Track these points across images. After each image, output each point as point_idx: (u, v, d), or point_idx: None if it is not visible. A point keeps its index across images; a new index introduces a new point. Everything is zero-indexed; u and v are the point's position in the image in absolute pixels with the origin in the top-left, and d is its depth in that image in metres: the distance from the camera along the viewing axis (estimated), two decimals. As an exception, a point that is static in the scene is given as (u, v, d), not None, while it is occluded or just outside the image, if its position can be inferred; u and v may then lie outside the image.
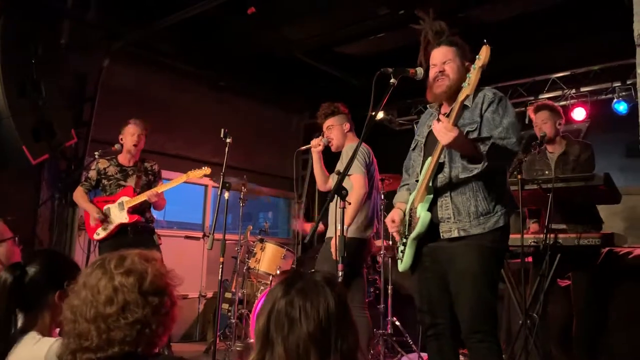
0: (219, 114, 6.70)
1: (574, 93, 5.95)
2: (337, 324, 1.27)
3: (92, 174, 4.42)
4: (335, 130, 3.81)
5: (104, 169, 4.41)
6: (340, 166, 3.63)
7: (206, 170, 4.27)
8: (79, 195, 4.39)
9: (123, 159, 4.44)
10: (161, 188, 4.29)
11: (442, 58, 2.55)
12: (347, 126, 3.84)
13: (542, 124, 3.83)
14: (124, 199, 4.28)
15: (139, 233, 4.27)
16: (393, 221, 2.60)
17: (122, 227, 4.25)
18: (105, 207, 4.31)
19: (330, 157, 3.91)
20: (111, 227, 4.25)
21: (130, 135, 4.37)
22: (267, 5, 5.18)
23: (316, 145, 3.82)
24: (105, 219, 4.24)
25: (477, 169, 2.33)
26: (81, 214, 5.49)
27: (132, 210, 4.24)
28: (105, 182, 4.39)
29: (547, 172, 3.80)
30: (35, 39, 4.64)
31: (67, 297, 1.41)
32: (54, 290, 1.75)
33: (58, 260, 1.87)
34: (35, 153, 4.56)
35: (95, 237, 4.31)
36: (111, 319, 1.32)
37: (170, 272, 1.46)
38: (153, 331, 1.36)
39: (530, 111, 3.98)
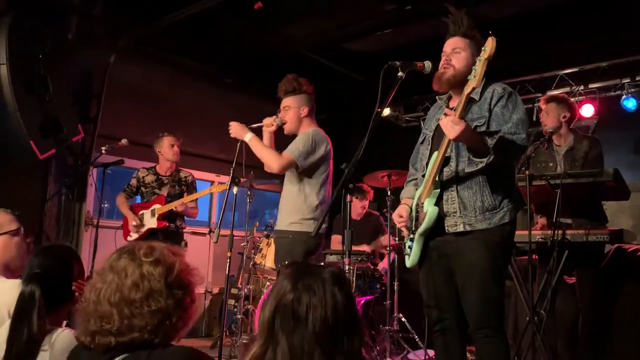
0: (224, 110, 6.68)
1: (582, 90, 5.90)
2: (344, 323, 1.25)
3: (133, 181, 4.88)
4: (291, 112, 3.41)
5: (143, 177, 4.87)
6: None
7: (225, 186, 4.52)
8: (121, 202, 4.83)
9: (160, 168, 4.88)
10: (187, 199, 4.69)
11: (452, 46, 2.55)
12: (304, 110, 3.41)
13: (545, 115, 3.80)
14: (156, 206, 4.70)
15: (168, 237, 4.54)
16: (401, 216, 2.59)
17: (152, 231, 4.66)
18: (140, 213, 4.76)
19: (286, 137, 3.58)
20: (142, 230, 4.69)
21: (169, 147, 4.79)
22: (272, 2, 5.17)
23: (269, 125, 3.43)
24: (141, 226, 4.69)
25: (482, 162, 2.32)
26: (88, 209, 5.55)
27: (162, 217, 4.66)
28: (143, 189, 4.84)
29: (551, 164, 3.76)
30: (43, 35, 4.65)
31: (90, 281, 1.42)
32: (71, 287, 1.78)
33: (70, 257, 1.89)
34: (42, 148, 4.58)
35: (129, 238, 4.73)
36: (135, 305, 1.33)
37: (194, 269, 1.48)
38: (173, 323, 1.37)
39: (542, 102, 3.96)
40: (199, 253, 6.44)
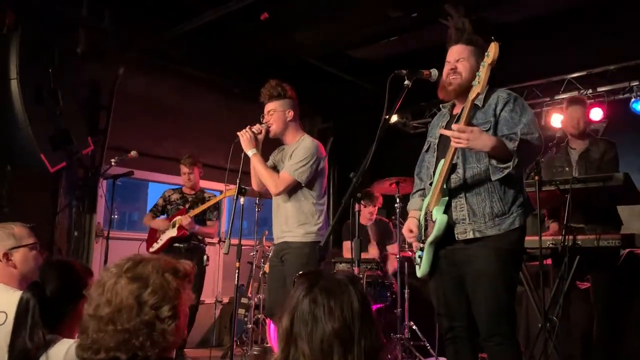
0: (231, 120, 6.72)
1: (590, 93, 5.87)
2: (361, 321, 1.27)
3: (160, 201, 5.14)
4: (276, 115, 3.39)
5: (169, 196, 5.12)
6: (283, 164, 3.38)
7: (230, 192, 4.58)
8: (148, 219, 5.09)
9: (186, 189, 5.15)
10: (191, 213, 4.84)
11: (456, 56, 2.54)
12: (290, 114, 3.41)
13: (581, 117, 3.76)
14: (177, 218, 4.85)
15: (191, 251, 4.79)
16: (411, 231, 2.59)
17: (172, 240, 4.82)
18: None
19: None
20: (163, 240, 4.85)
21: (182, 174, 5.08)
22: (278, 11, 5.20)
23: (257, 132, 3.38)
24: (160, 236, 4.91)
25: (508, 168, 2.27)
26: (99, 220, 5.59)
27: (182, 227, 4.80)
28: (168, 207, 5.08)
29: (567, 168, 3.74)
30: (52, 48, 4.70)
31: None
32: (73, 301, 1.80)
33: (72, 272, 1.91)
34: (53, 161, 4.61)
35: (151, 250, 4.88)
36: (102, 322, 1.30)
37: (185, 291, 1.41)
38: (141, 343, 1.31)
39: (566, 105, 3.91)
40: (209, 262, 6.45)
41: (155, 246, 4.87)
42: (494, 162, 2.32)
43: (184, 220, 4.76)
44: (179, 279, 1.42)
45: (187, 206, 4.99)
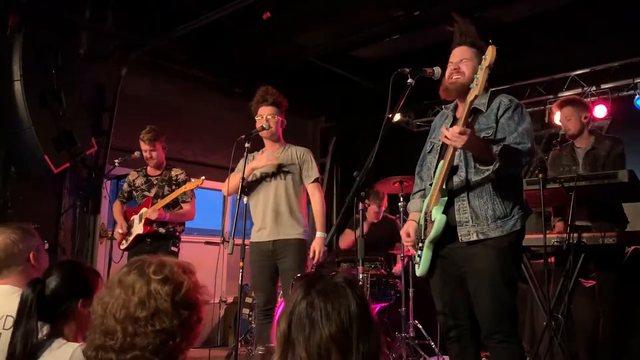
0: (235, 120, 6.71)
1: (594, 90, 5.85)
2: (358, 325, 1.26)
3: (125, 186, 4.63)
4: (276, 120, 3.79)
5: (133, 180, 4.61)
6: (291, 167, 3.72)
7: (199, 181, 4.36)
8: (115, 209, 4.64)
9: (150, 169, 4.61)
10: (158, 205, 4.34)
11: (459, 56, 2.55)
12: (284, 123, 3.86)
13: (566, 120, 3.76)
14: (144, 210, 4.41)
15: (157, 240, 4.40)
16: (408, 235, 2.60)
17: (139, 237, 4.41)
18: (131, 218, 4.52)
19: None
20: (131, 238, 4.45)
21: (143, 152, 4.53)
22: (281, 11, 5.19)
23: (260, 130, 3.69)
24: (128, 231, 4.46)
25: (488, 170, 2.32)
26: (103, 221, 5.60)
27: (150, 222, 4.35)
28: (134, 193, 4.58)
29: (574, 167, 3.72)
30: (55, 50, 4.71)
31: (98, 294, 1.41)
32: (76, 300, 1.79)
33: (77, 271, 1.90)
34: (56, 162, 4.63)
35: (121, 247, 4.52)
36: (139, 323, 1.31)
37: (203, 287, 1.45)
38: (176, 344, 1.35)
39: (555, 108, 3.92)
40: (213, 262, 6.45)
41: (125, 244, 4.48)
42: (477, 163, 2.38)
43: (152, 214, 4.27)
44: (196, 278, 1.46)
45: (152, 192, 4.47)
